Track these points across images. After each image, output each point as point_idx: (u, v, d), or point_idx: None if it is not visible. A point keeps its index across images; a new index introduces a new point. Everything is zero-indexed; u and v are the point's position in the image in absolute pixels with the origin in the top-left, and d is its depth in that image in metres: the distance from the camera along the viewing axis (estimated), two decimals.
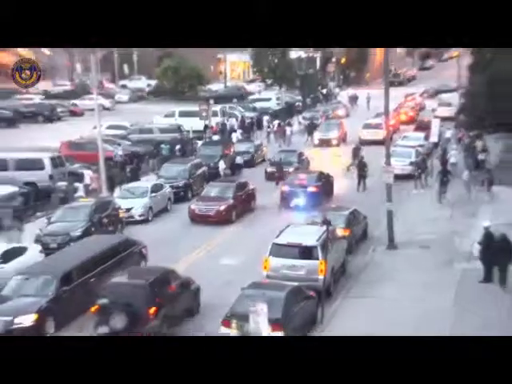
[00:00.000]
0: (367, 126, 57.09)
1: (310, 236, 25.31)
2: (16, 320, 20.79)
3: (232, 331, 19.66)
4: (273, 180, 43.02)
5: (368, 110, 69.79)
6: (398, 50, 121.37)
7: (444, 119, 59.96)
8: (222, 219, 33.69)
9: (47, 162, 39.68)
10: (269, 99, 78.04)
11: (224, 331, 20.03)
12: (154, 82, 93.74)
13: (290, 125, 62.06)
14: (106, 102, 72.31)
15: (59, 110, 72.15)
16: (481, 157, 42.64)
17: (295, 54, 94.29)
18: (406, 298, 24.28)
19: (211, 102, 65.80)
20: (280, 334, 19.59)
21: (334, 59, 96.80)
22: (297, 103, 78.11)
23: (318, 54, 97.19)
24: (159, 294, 22.02)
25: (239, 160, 47.40)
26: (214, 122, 61.14)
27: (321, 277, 23.76)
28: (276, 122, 62.35)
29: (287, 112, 70.72)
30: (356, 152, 45.88)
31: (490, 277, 25.17)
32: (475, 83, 47.64)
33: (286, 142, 57.71)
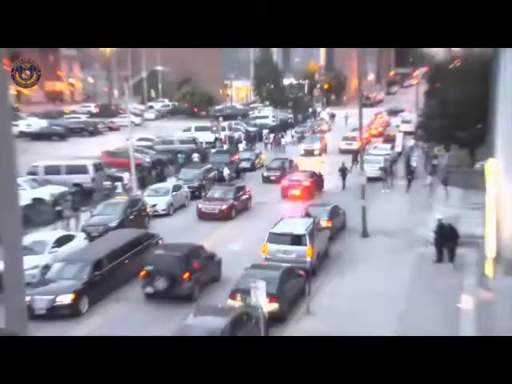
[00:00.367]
0: (345, 139, 57.04)
1: (300, 227, 25.44)
2: (58, 298, 20.86)
3: (237, 303, 19.85)
4: (268, 182, 43.17)
5: (346, 126, 69.83)
6: (369, 77, 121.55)
7: (406, 133, 61.18)
8: (224, 216, 33.34)
9: (90, 168, 39.92)
10: (266, 117, 78.06)
11: (231, 303, 20.13)
12: (174, 103, 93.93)
13: (283, 137, 62.47)
14: (137, 120, 72.37)
15: (100, 126, 72.29)
16: (434, 162, 43.21)
17: (287, 81, 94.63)
18: (375, 274, 24.66)
19: (220, 119, 66.08)
20: (275, 305, 19.72)
21: (318, 85, 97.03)
22: (289, 120, 78.28)
23: (305, 82, 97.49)
24: (192, 262, 23.09)
25: (245, 164, 48.01)
26: (223, 134, 61.44)
27: (308, 259, 23.92)
28: (272, 135, 62.54)
29: (281, 127, 70.84)
30: (355, 155, 45.65)
31: (441, 258, 25.93)
32: (429, 105, 47.97)
33: (280, 150, 57.94)
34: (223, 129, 63.34)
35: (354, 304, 21.63)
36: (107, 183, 39.80)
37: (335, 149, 56.26)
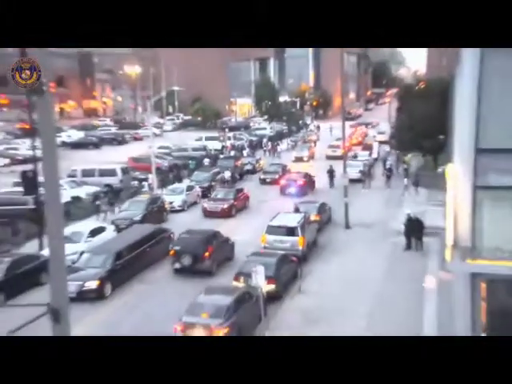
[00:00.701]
0: (331, 147, 56.66)
1: (293, 220, 25.37)
2: (86, 284, 20.66)
3: (240, 284, 19.85)
4: (264, 184, 42.80)
5: (331, 136, 69.69)
6: (350, 96, 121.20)
7: (381, 142, 60.88)
8: (226, 214, 32.82)
9: (119, 171, 40.03)
10: (265, 128, 78.13)
11: (235, 284, 20.15)
12: (187, 117, 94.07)
13: (278, 145, 62.22)
14: (157, 131, 72.30)
15: (127, 136, 72.38)
16: (405, 167, 43.25)
17: (282, 98, 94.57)
18: (356, 260, 24.67)
19: (226, 130, 66.12)
20: (273, 285, 19.78)
21: (308, 102, 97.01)
22: (284, 131, 78.28)
23: (297, 99, 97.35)
24: (211, 244, 23.90)
25: (247, 168, 48.06)
26: (229, 143, 61.46)
27: (300, 248, 23.99)
28: (269, 143, 62.54)
29: (278, 137, 70.80)
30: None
31: (409, 246, 25.91)
32: (399, 119, 48.01)
33: (277, 156, 57.78)
34: (229, 138, 63.54)
35: (338, 284, 21.71)
36: (135, 183, 40.08)
37: (322, 155, 56.13)
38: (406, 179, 38.18)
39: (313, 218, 28.13)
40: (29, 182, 25.50)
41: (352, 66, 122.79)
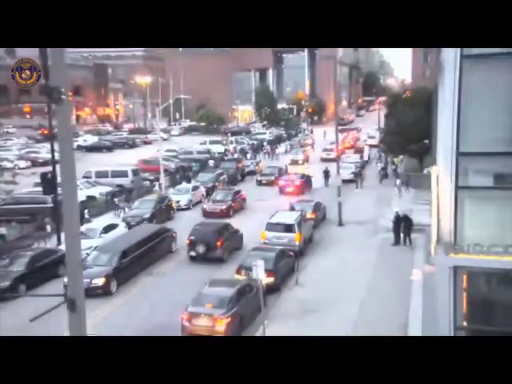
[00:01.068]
0: (325, 150, 56.47)
1: (290, 218, 25.27)
2: (93, 281, 20.07)
3: (241, 277, 19.82)
4: (261, 185, 42.31)
5: (324, 140, 69.59)
6: (343, 103, 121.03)
7: (371, 146, 60.80)
8: (224, 215, 32.08)
9: (130, 172, 40.03)
10: (264, 133, 78.09)
11: (236, 277, 20.09)
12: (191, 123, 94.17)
13: (277, 148, 62.30)
14: (165, 135, 72.33)
15: (137, 140, 72.35)
16: (393, 167, 43.28)
17: (280, 105, 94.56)
18: (348, 254, 24.56)
19: (229, 134, 66.08)
20: (272, 278, 19.74)
21: (304, 109, 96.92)
22: (282, 135, 78.28)
23: (294, 106, 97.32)
24: (222, 234, 24.56)
25: (252, 167, 48.19)
26: (231, 147, 61.44)
27: (297, 243, 23.88)
28: (268, 146, 62.55)
29: (276, 141, 70.80)
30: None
31: (398, 241, 25.76)
32: (388, 125, 47.94)
33: (275, 158, 57.72)
34: (231, 142, 63.51)
35: (332, 277, 21.68)
36: (147, 183, 40.11)
37: (317, 158, 56.03)
38: (398, 180, 37.94)
39: (309, 215, 28.09)
40: (48, 183, 25.55)
41: (344, 76, 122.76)
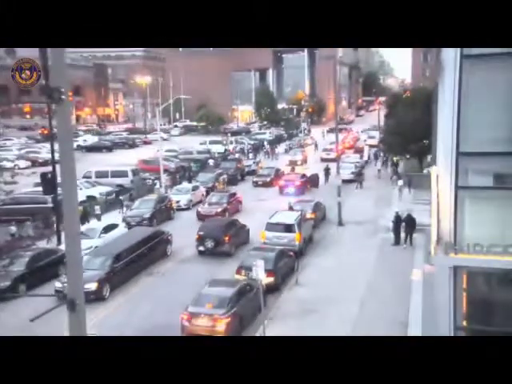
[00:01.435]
0: (325, 150, 56.51)
1: (290, 218, 25.23)
2: (85, 286, 19.48)
3: (241, 277, 19.77)
4: (257, 186, 41.86)
5: (323, 140, 69.57)
6: (343, 103, 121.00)
7: (371, 146, 60.85)
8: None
9: (129, 172, 40.05)
10: (264, 133, 78.09)
11: (237, 277, 20.02)
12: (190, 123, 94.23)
13: (276, 147, 62.43)
14: (165, 136, 72.31)
15: (137, 140, 72.33)
16: (393, 167, 43.27)
17: (280, 105, 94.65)
18: (348, 254, 24.55)
19: (229, 134, 66.12)
20: (272, 278, 19.71)
21: (304, 109, 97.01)
22: (283, 135, 78.34)
23: (294, 106, 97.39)
24: (230, 230, 25.46)
25: (253, 166, 48.32)
26: (231, 147, 61.48)
27: (297, 243, 23.87)
28: (268, 146, 62.56)
29: (276, 141, 70.86)
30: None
31: (398, 241, 25.70)
32: (388, 125, 47.96)
33: (275, 158, 57.70)
34: (231, 142, 63.54)
35: (332, 276, 21.65)
36: (149, 181, 40.21)
37: (317, 157, 56.00)
38: (400, 181, 37.83)
39: (308, 215, 28.05)
40: (48, 183, 25.54)
41: (344, 76, 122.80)
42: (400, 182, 37.41)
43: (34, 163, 51.79)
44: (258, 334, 15.95)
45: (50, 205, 27.54)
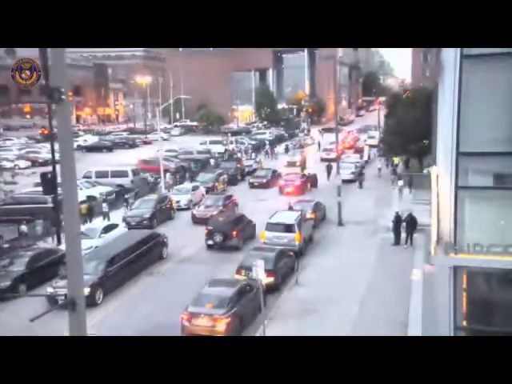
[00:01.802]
0: (325, 150, 56.44)
1: (290, 218, 25.20)
2: None
3: (241, 277, 19.74)
4: (253, 187, 41.21)
5: (323, 140, 69.52)
6: (343, 103, 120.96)
7: (371, 146, 60.81)
8: None
9: (130, 172, 40.06)
10: (265, 133, 78.09)
11: (237, 277, 19.98)
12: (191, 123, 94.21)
13: (276, 147, 62.52)
14: (165, 136, 72.30)
15: (137, 140, 72.37)
16: (394, 167, 43.42)
17: (280, 105, 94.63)
18: (349, 254, 24.53)
19: (229, 134, 66.11)
20: (272, 278, 19.68)
21: (304, 109, 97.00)
22: (284, 135, 78.32)
23: (294, 106, 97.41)
24: (238, 225, 26.34)
25: (254, 166, 48.55)
26: (231, 147, 61.48)
27: (297, 243, 23.85)
28: (268, 146, 62.61)
29: (277, 141, 70.86)
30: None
31: (398, 241, 25.67)
32: (388, 125, 47.92)
33: (274, 158, 57.72)
34: (231, 142, 63.52)
35: (332, 276, 21.64)
36: (151, 180, 40.28)
37: (317, 157, 55.96)
38: (400, 181, 37.72)
39: (308, 215, 28.02)
40: (48, 183, 25.54)
41: (344, 76, 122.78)
42: (400, 183, 37.39)
43: (34, 163, 51.83)
44: (258, 334, 15.95)
45: (50, 205, 27.52)
